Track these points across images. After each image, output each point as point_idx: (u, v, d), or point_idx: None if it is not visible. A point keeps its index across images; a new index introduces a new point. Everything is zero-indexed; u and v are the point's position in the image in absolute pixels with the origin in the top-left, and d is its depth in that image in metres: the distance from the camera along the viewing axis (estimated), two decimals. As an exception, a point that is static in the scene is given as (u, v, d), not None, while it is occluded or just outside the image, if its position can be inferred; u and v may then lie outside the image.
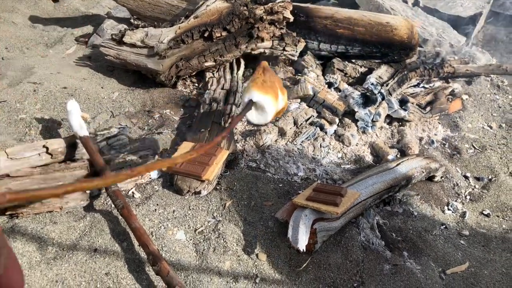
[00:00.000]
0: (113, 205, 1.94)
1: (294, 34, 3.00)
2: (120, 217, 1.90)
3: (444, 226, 2.21)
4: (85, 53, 3.33)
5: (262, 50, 2.87)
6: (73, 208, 1.94)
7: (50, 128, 2.36)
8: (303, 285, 1.78)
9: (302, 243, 1.74)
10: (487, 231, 2.22)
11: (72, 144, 2.14)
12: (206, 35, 2.78)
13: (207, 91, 2.76)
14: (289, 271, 1.83)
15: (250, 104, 1.85)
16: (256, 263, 1.84)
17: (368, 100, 2.65)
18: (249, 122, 2.39)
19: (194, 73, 2.95)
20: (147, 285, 1.66)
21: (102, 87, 2.89)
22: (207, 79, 2.93)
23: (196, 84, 3.03)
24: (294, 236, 1.77)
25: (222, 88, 2.76)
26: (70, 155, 2.14)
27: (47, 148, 2.05)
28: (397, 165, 2.32)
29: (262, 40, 2.86)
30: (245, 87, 1.92)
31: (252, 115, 1.92)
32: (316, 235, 1.84)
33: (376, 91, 2.73)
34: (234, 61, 2.95)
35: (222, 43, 2.76)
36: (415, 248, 2.04)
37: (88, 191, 1.95)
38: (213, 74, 2.94)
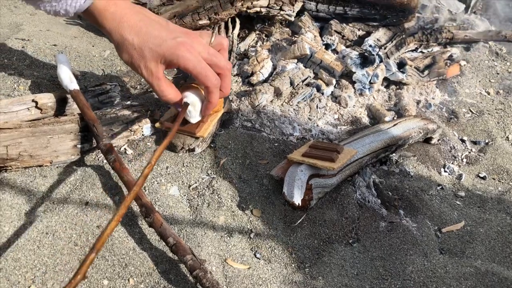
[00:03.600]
0: (104, 160, 1.90)
1: (291, -7, 2.91)
2: (112, 171, 1.85)
3: (440, 187, 2.20)
4: (75, 12, 3.22)
5: (258, 9, 2.78)
6: (63, 162, 1.89)
7: (39, 84, 2.29)
8: (298, 240, 1.76)
9: (297, 197, 1.71)
10: (483, 193, 2.21)
11: (62, 99, 2.08)
12: (200, -9, 2.68)
13: (201, 49, 2.67)
14: (284, 227, 1.81)
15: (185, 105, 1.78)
16: (250, 219, 1.81)
17: (366, 60, 2.60)
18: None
19: (188, 32, 2.86)
20: (139, 238, 1.63)
21: (93, 46, 2.81)
22: (201, 38, 2.85)
23: (190, 44, 2.94)
24: (289, 190, 1.74)
25: (217, 48, 2.68)
26: (60, 111, 2.08)
27: (37, 103, 1.98)
28: (395, 125, 2.28)
29: (258, -2, 2.78)
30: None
31: (191, 114, 1.87)
32: (311, 191, 1.81)
33: (374, 53, 2.67)
34: (230, 20, 2.87)
35: (217, 0, 2.67)
36: (411, 206, 2.02)
37: (79, 146, 1.90)
38: (207, 33, 2.85)
